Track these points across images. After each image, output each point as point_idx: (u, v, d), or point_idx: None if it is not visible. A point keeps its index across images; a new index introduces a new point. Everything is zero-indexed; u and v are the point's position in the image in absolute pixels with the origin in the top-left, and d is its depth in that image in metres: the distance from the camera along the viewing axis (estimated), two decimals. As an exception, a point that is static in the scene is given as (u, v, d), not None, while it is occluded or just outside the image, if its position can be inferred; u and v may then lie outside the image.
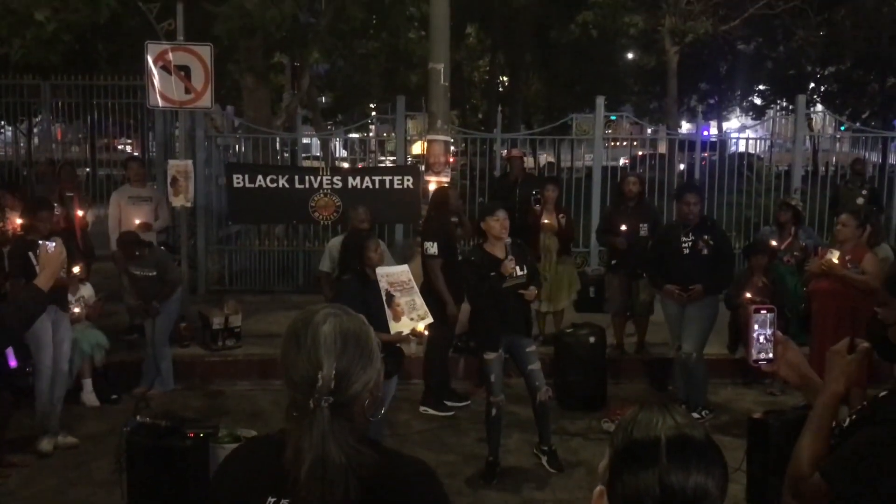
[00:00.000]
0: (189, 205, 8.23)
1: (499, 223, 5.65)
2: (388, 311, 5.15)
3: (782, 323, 7.56)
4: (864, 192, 9.88)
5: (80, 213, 8.49)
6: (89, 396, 6.97)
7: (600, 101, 10.60)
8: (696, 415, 6.37)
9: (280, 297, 10.03)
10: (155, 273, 7.14)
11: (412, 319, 5.29)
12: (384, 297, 5.19)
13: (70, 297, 6.75)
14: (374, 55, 15.63)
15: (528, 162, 14.01)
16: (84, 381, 6.97)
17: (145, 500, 4.76)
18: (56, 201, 8.25)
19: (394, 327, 5.22)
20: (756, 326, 2.22)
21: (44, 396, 6.01)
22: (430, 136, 8.43)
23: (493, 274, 5.59)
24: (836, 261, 6.11)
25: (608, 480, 1.43)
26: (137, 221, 8.29)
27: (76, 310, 6.95)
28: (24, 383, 6.49)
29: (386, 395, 5.30)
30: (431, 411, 6.97)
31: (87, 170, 13.84)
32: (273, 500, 1.62)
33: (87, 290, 7.28)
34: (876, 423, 2.09)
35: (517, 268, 5.61)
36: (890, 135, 11.87)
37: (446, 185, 8.03)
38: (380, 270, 5.39)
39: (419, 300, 5.38)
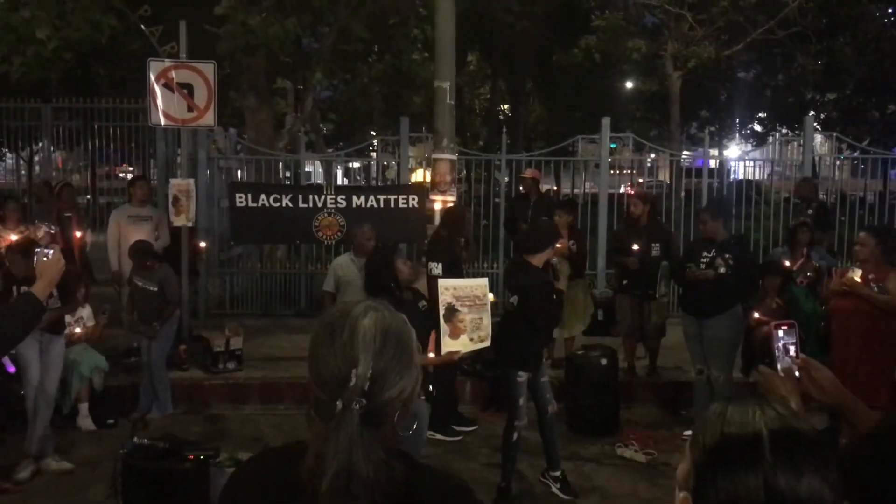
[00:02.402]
0: (190, 224, 8.06)
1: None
2: (444, 327, 4.56)
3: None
4: (809, 211, 9.11)
5: (78, 233, 8.35)
6: (85, 421, 6.78)
7: (606, 122, 10.39)
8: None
9: (281, 321, 9.86)
10: (156, 289, 6.98)
11: (472, 340, 4.68)
12: (442, 312, 4.60)
13: (69, 318, 6.57)
14: (376, 79, 15.53)
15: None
16: (81, 405, 6.78)
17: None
18: (54, 222, 8.15)
19: (448, 345, 4.56)
20: (782, 335, 2.12)
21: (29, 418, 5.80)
22: (436, 155, 8.29)
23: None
24: (858, 279, 5.93)
25: (694, 486, 1.22)
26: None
27: (77, 330, 6.78)
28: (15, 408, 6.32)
29: (422, 416, 4.98)
30: (438, 436, 6.76)
31: (88, 197, 13.71)
32: None
33: (85, 312, 7.11)
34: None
35: None
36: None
37: (460, 205, 7.86)
38: (444, 283, 4.80)
39: (487, 320, 4.75)
